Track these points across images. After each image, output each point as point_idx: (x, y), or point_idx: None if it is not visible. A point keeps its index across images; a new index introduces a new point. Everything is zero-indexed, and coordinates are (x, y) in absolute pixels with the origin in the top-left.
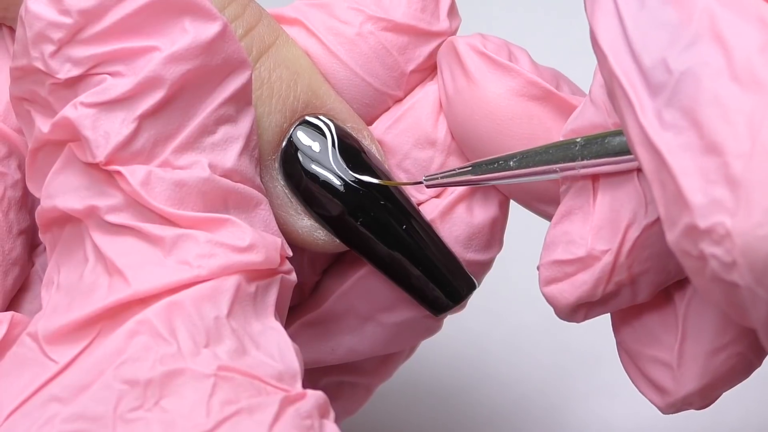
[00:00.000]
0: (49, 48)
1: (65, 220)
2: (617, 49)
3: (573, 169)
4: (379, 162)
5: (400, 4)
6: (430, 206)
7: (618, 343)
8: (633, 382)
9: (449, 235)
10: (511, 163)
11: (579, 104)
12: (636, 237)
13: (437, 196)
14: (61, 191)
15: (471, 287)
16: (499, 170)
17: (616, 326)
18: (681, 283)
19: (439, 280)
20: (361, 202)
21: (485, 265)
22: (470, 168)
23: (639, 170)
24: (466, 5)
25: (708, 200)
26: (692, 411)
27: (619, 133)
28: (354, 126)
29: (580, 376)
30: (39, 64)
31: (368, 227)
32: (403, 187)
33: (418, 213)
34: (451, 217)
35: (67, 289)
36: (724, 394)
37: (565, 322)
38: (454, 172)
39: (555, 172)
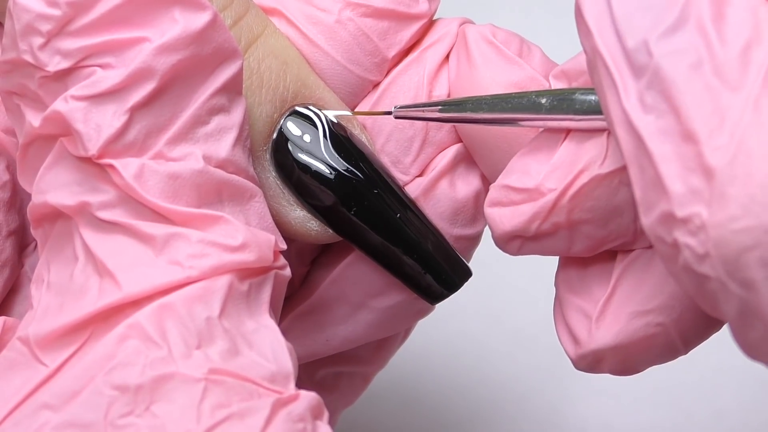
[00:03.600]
0: (38, 40)
1: (56, 215)
2: (602, 25)
3: (539, 120)
4: (370, 151)
5: None
6: (413, 185)
7: (555, 290)
8: (556, 329)
9: (434, 212)
10: (481, 108)
11: None
12: (583, 184)
13: (420, 175)
14: (53, 186)
15: (466, 275)
16: (466, 112)
17: (558, 272)
18: (627, 246)
19: (433, 269)
20: (353, 191)
21: (473, 240)
22: (439, 107)
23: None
24: (473, 4)
25: (686, 189)
26: (693, 411)
27: (588, 91)
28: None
29: (579, 377)
30: (28, 57)
31: (361, 217)
32: (393, 174)
33: (412, 201)
34: (434, 194)
35: (57, 290)
36: (723, 394)
37: None
38: (423, 106)
39: (520, 121)
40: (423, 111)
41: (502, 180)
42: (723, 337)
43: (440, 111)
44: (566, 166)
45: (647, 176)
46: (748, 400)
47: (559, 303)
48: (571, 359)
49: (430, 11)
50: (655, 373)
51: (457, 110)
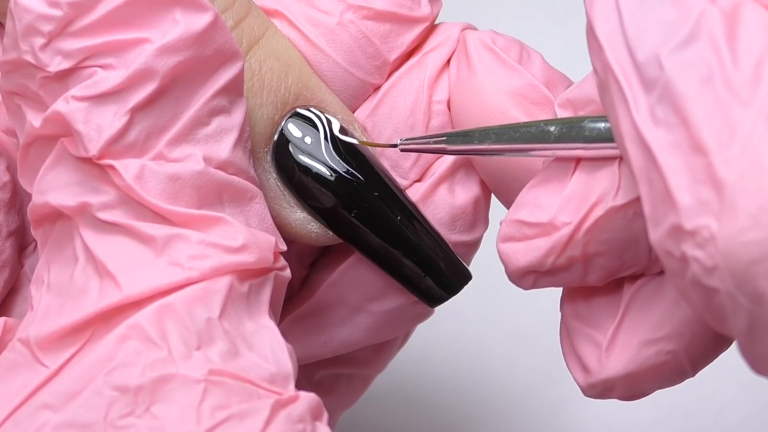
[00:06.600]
0: (39, 41)
1: (57, 216)
2: (614, 41)
3: (548, 150)
4: (371, 153)
5: None
6: (412, 191)
7: (561, 317)
8: (564, 357)
9: (433, 218)
10: (488, 139)
11: None
12: (599, 217)
13: (419, 180)
14: (53, 187)
15: (465, 278)
16: (473, 143)
17: (564, 300)
18: (638, 274)
19: (433, 272)
20: (354, 193)
21: (472, 246)
22: (445, 138)
23: (619, 158)
24: (472, 6)
25: (695, 201)
26: (692, 411)
27: (597, 119)
28: (344, 118)
29: None
30: (29, 58)
31: (362, 219)
32: (394, 177)
33: (412, 204)
34: (433, 200)
35: (57, 290)
36: (723, 393)
37: None
38: (429, 138)
39: (529, 151)
40: (429, 142)
41: (513, 214)
42: None
43: (446, 142)
44: (579, 199)
45: (656, 190)
46: (748, 400)
47: (566, 330)
48: (580, 387)
49: (432, 15)
50: None
51: (464, 141)
